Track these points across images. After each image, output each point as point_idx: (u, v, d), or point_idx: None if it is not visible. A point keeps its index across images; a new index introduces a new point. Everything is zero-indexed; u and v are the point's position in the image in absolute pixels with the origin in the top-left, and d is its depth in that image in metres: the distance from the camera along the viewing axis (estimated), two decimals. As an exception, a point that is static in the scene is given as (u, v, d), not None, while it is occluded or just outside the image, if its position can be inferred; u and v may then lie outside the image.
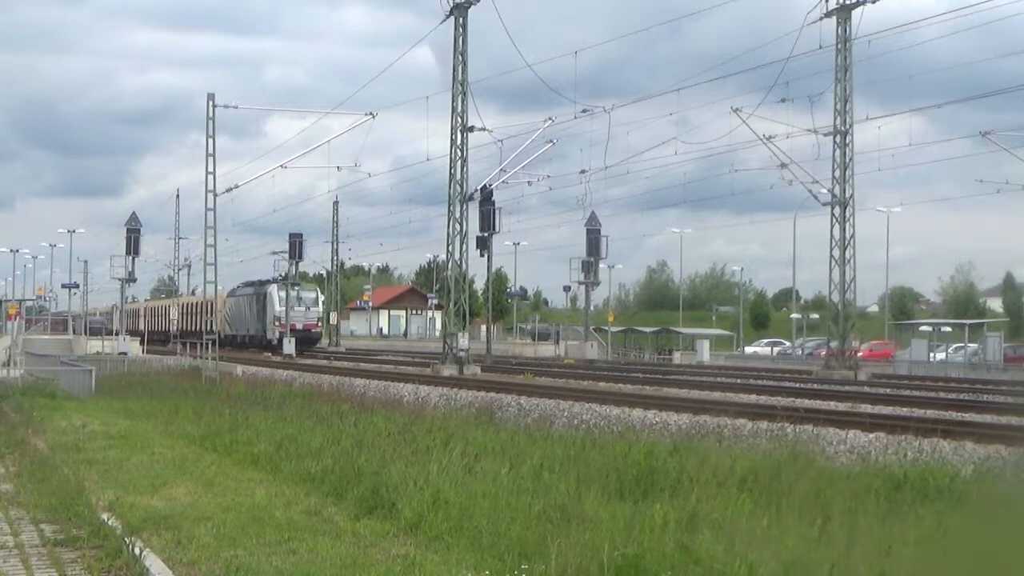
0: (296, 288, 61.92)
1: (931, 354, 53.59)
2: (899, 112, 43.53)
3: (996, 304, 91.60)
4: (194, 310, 77.90)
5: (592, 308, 71.57)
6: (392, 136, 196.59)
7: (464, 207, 39.97)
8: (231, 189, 45.97)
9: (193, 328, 73.15)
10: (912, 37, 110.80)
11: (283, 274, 64.38)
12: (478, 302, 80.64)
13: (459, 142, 39.41)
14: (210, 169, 38.37)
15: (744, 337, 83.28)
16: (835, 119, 37.66)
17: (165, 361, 45.69)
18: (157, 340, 74.49)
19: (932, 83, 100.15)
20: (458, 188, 39.67)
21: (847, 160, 37.77)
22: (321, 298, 65.81)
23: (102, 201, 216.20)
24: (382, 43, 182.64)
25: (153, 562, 7.82)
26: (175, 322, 75.86)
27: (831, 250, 38.29)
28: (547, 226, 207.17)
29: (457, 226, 39.64)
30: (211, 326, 66.90)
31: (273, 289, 62.84)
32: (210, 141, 38.48)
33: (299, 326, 60.58)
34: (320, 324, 65.67)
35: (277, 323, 60.68)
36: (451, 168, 39.74)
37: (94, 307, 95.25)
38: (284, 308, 60.36)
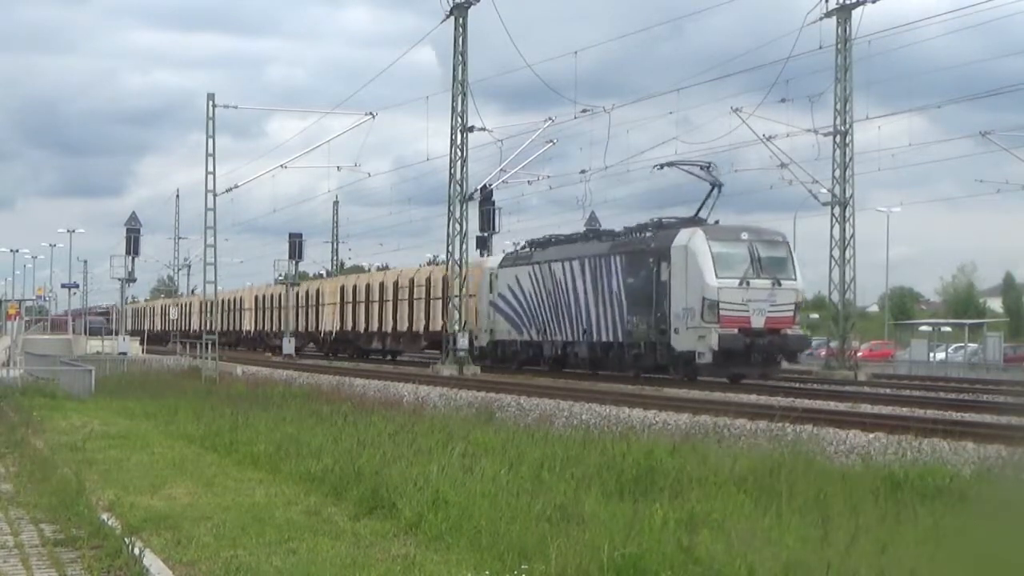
0: (746, 239, 30.22)
1: (931, 354, 53.58)
2: (899, 112, 43.47)
3: (996, 304, 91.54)
4: (395, 293, 47.99)
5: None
6: (392, 136, 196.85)
7: (464, 207, 39.97)
8: (231, 189, 45.72)
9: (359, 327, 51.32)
10: (912, 37, 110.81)
11: (696, 212, 32.74)
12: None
13: (459, 142, 39.40)
14: (210, 169, 38.33)
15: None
16: (835, 119, 37.63)
17: (165, 361, 45.69)
18: (263, 345, 60.90)
19: (932, 83, 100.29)
20: (458, 188, 39.65)
21: (847, 160, 37.74)
22: (797, 265, 31.01)
23: (102, 201, 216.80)
24: (383, 43, 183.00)
25: (153, 562, 7.83)
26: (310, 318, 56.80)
27: (831, 250, 38.24)
28: (547, 226, 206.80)
29: (457, 226, 39.62)
30: (447, 321, 41.04)
31: (697, 240, 29.65)
32: (210, 141, 38.45)
33: (757, 323, 29.07)
34: (797, 319, 31.38)
35: (710, 313, 28.77)
36: (451, 168, 39.73)
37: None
38: (729, 282, 29.12)
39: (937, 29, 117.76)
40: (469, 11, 38.48)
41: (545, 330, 36.13)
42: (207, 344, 39.28)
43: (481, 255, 47.55)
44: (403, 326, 47.01)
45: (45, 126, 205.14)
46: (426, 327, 45.31)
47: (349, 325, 52.68)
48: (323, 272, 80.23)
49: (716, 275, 28.96)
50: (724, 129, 38.80)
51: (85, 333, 60.99)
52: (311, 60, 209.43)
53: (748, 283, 29.13)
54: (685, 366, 29.64)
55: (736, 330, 28.64)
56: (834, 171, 37.92)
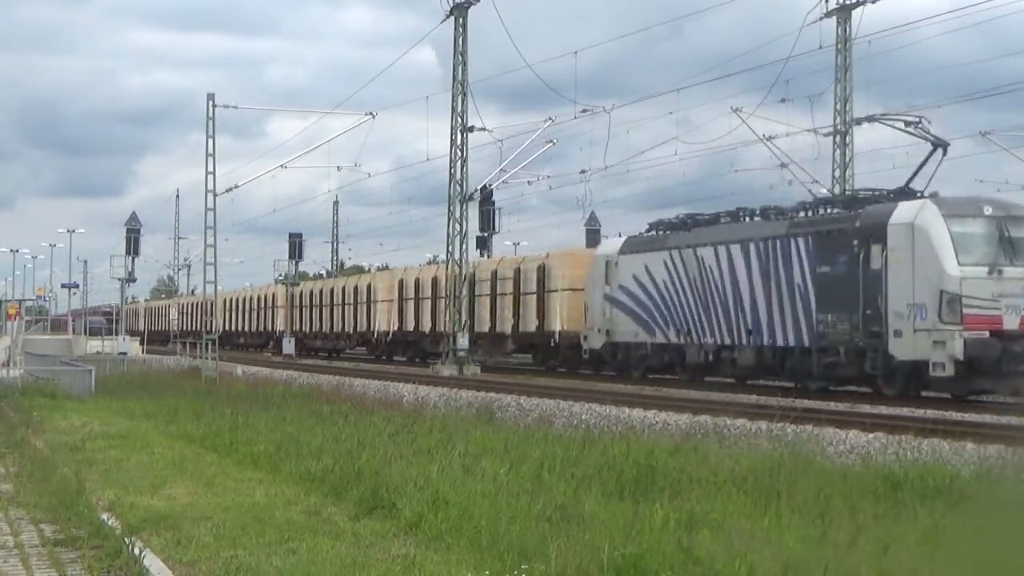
0: (992, 214, 23.48)
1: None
2: (899, 112, 43.39)
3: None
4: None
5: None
6: (392, 136, 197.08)
7: (464, 207, 39.97)
8: (231, 189, 45.80)
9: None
10: (912, 37, 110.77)
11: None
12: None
13: (459, 142, 39.41)
14: (210, 169, 38.37)
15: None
16: (835, 119, 37.67)
17: (165, 361, 45.69)
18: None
19: (932, 83, 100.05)
20: (458, 188, 39.65)
21: (847, 160, 37.78)
22: None
23: (102, 201, 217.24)
24: (383, 43, 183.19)
25: (153, 562, 7.83)
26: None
27: (831, 250, 38.16)
28: (547, 226, 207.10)
29: (457, 226, 39.62)
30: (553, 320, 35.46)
31: (929, 215, 23.22)
32: (210, 141, 38.48)
33: (1011, 324, 22.39)
34: None
35: (951, 312, 22.24)
36: (451, 168, 39.74)
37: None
38: (975, 271, 22.63)
39: (937, 29, 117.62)
40: (469, 11, 38.50)
41: (689, 331, 29.03)
42: (207, 344, 39.28)
43: (481, 255, 47.51)
44: (483, 326, 39.73)
45: (45, 126, 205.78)
46: (515, 327, 37.75)
47: (410, 325, 46.33)
48: (323, 272, 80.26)
49: (957, 261, 22.43)
50: (724, 129, 38.79)
51: (85, 333, 60.98)
52: (311, 60, 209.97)
53: (999, 272, 22.46)
54: (907, 379, 23.34)
55: (987, 333, 21.97)
56: (834, 171, 37.96)
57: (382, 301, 49.33)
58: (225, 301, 67.77)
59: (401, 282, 48.42)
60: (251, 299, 68.42)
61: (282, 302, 61.05)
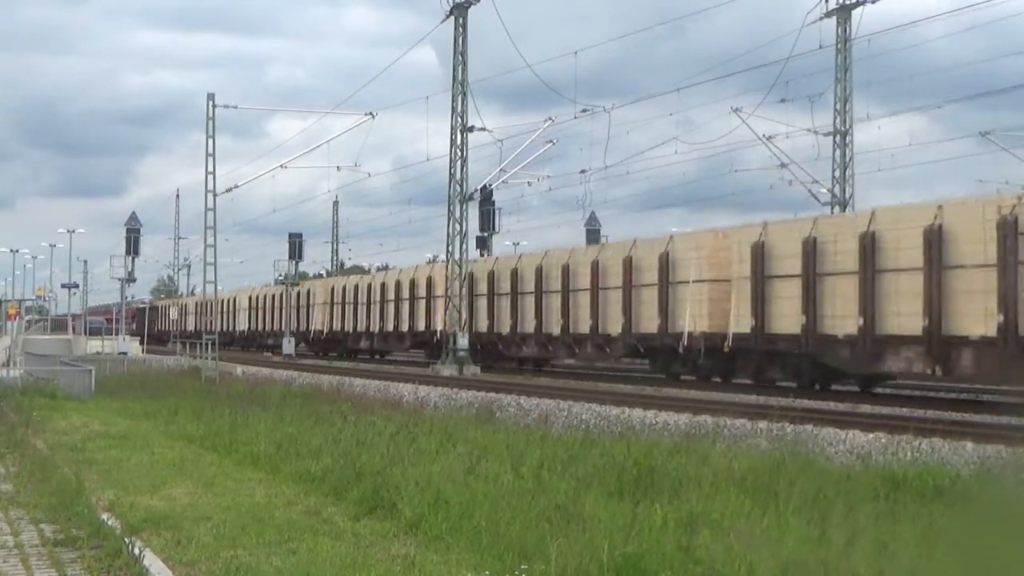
0: None
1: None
2: (899, 112, 43.56)
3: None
4: None
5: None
6: (392, 136, 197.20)
7: (464, 207, 39.97)
8: (231, 189, 45.83)
9: None
10: (912, 37, 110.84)
11: None
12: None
13: (459, 142, 39.42)
14: (210, 169, 38.38)
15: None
16: (835, 119, 37.68)
17: (165, 361, 45.68)
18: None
19: (932, 83, 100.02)
20: (458, 188, 39.66)
21: (847, 160, 37.79)
22: None
23: (102, 201, 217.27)
24: (383, 43, 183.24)
25: (153, 562, 7.83)
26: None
27: (831, 250, 38.11)
28: (547, 226, 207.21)
29: (457, 226, 39.63)
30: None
31: None
32: (210, 141, 38.48)
33: None
34: None
35: None
36: (451, 168, 39.76)
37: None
38: None
39: (938, 29, 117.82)
40: (469, 11, 38.52)
41: None
42: (207, 344, 39.24)
43: (481, 255, 47.43)
44: (894, 327, 22.82)
45: (45, 126, 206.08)
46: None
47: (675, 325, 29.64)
48: (323, 272, 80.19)
49: None
50: (724, 129, 38.83)
51: (85, 333, 60.98)
52: (311, 60, 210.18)
53: None
54: None
55: None
56: (834, 171, 37.97)
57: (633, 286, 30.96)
58: (350, 287, 53.01)
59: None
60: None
61: (441, 287, 42.44)
